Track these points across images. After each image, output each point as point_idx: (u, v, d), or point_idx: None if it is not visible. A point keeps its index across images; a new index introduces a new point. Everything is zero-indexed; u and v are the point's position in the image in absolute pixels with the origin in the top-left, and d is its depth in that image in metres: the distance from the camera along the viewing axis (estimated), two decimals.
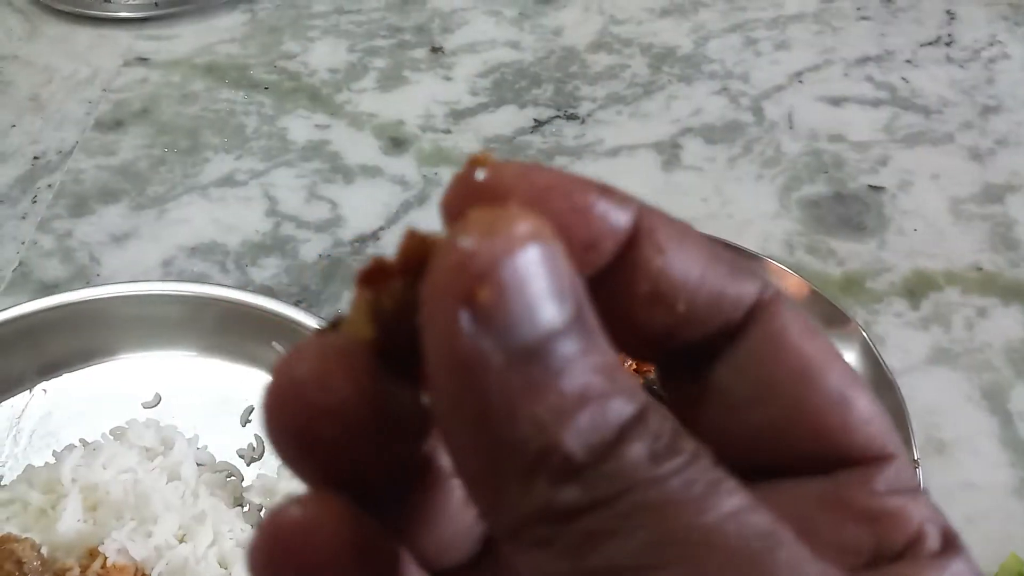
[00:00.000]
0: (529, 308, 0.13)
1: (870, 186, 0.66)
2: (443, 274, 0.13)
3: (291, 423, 0.14)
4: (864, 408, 0.15)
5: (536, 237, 0.13)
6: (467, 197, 0.14)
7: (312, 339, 0.14)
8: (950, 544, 0.15)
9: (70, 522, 0.42)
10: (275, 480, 0.45)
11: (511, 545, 0.13)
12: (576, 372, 0.13)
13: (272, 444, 0.14)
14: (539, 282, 0.13)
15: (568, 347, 0.13)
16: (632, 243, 0.15)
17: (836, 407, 0.15)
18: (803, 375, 0.15)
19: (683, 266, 0.15)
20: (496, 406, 0.13)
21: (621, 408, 0.13)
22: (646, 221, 0.15)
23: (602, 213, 0.15)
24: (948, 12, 0.83)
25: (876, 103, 0.73)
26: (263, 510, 0.45)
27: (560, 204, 0.14)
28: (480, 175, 0.14)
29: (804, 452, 0.15)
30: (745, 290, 0.15)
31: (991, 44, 0.79)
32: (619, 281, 0.15)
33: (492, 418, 0.13)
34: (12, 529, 0.41)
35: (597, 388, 0.13)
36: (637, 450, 0.13)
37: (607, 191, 0.15)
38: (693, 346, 0.16)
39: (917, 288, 0.59)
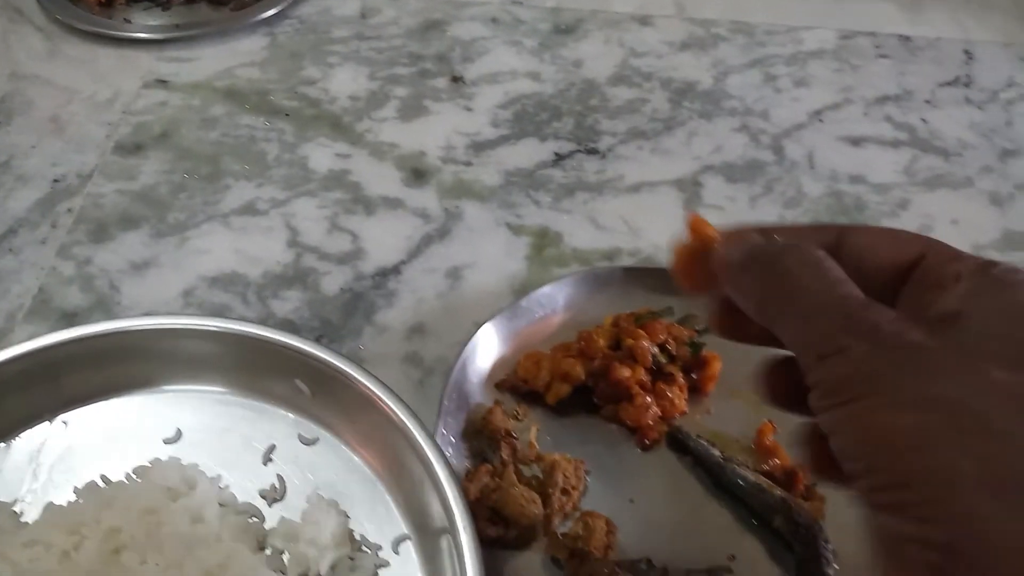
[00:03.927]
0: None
1: None
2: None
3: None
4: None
5: None
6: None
7: None
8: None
9: (94, 565, 0.41)
10: (299, 526, 0.45)
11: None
12: None
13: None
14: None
15: None
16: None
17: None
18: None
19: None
20: None
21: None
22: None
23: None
24: (966, 52, 0.83)
25: (896, 144, 0.73)
26: (285, 554, 0.45)
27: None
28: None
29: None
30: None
31: (1009, 86, 0.80)
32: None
33: None
34: (36, 572, 0.41)
35: None
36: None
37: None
38: None
39: None
